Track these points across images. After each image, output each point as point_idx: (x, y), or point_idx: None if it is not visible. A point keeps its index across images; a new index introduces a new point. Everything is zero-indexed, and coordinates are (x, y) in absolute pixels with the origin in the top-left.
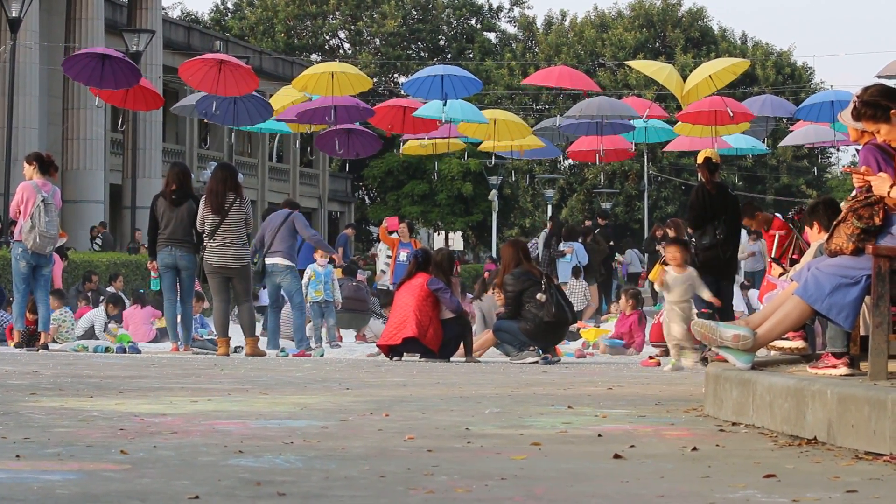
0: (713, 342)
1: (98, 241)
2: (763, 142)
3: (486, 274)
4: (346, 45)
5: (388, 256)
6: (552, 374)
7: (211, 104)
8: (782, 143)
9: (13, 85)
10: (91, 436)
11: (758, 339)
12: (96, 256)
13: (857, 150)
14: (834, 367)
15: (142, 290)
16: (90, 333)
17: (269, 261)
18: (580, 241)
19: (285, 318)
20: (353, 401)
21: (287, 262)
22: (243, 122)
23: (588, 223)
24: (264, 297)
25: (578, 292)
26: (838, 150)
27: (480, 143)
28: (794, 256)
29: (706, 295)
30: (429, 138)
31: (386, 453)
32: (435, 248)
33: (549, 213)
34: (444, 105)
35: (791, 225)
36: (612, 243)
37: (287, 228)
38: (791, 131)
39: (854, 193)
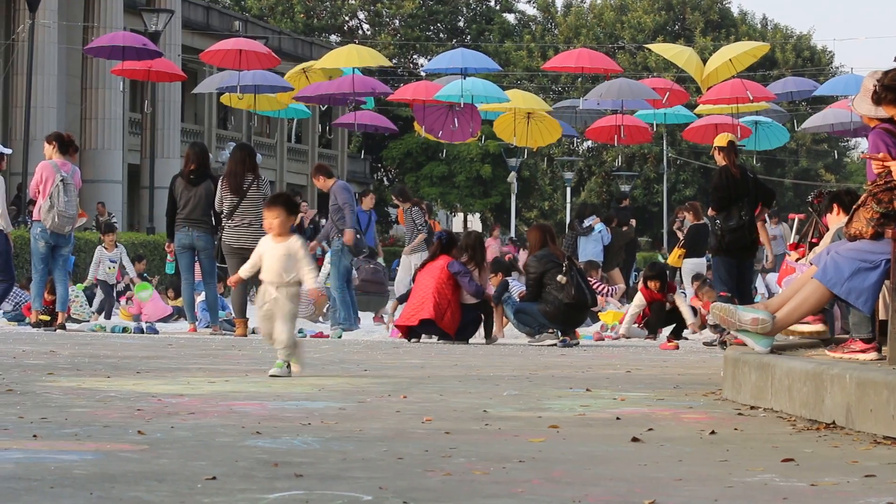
0: (732, 325)
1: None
2: (784, 125)
3: (508, 257)
4: (366, 26)
5: None
6: (570, 357)
7: (233, 85)
8: (802, 128)
9: (32, 64)
10: (108, 416)
11: (777, 323)
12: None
13: (867, 136)
14: (863, 351)
15: (145, 275)
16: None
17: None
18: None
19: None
20: (371, 382)
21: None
22: (265, 94)
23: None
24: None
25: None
26: (858, 136)
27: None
28: (813, 241)
29: (308, 281)
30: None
31: (403, 435)
32: (455, 231)
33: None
34: (464, 78)
35: (811, 209)
36: (633, 224)
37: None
38: (812, 113)
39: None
